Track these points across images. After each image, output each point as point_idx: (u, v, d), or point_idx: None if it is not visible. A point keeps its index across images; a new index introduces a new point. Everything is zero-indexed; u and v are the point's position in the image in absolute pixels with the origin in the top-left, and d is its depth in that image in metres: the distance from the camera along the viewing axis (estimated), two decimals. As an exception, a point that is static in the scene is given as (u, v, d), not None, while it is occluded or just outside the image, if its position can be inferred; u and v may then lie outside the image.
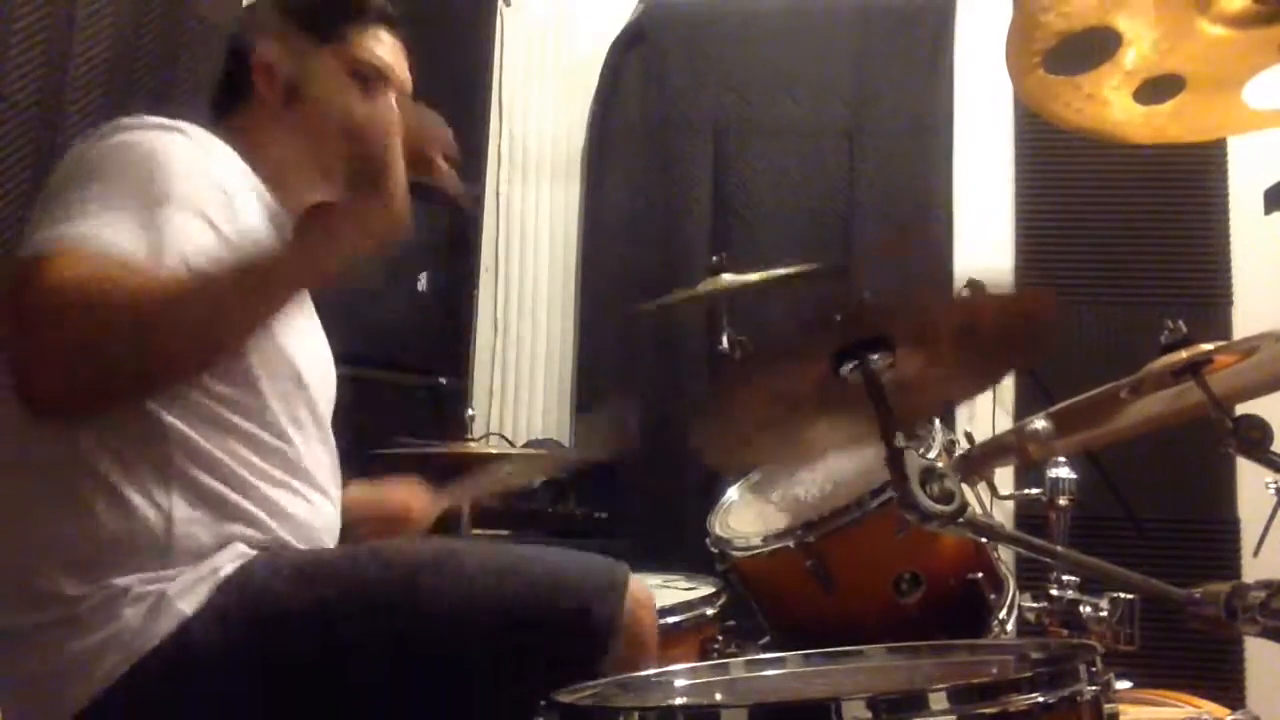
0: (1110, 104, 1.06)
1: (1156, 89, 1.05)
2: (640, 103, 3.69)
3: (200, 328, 1.21)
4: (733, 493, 2.11)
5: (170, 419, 1.25)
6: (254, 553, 1.30)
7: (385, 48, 1.54)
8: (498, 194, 3.67)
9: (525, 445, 3.40)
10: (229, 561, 1.27)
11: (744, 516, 2.03)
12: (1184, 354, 1.53)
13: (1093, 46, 1.08)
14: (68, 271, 1.15)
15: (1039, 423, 1.67)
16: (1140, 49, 1.05)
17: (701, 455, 1.39)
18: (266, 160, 1.45)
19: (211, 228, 1.29)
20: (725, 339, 2.67)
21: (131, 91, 2.10)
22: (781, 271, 2.63)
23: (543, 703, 0.99)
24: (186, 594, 1.23)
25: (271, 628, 1.25)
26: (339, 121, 1.36)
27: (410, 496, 1.74)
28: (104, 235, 1.18)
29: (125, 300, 1.15)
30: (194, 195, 1.28)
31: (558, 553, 1.37)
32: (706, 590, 1.91)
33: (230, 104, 1.52)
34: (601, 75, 3.73)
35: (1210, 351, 1.51)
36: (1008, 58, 1.09)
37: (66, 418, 1.22)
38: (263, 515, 1.32)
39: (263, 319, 1.27)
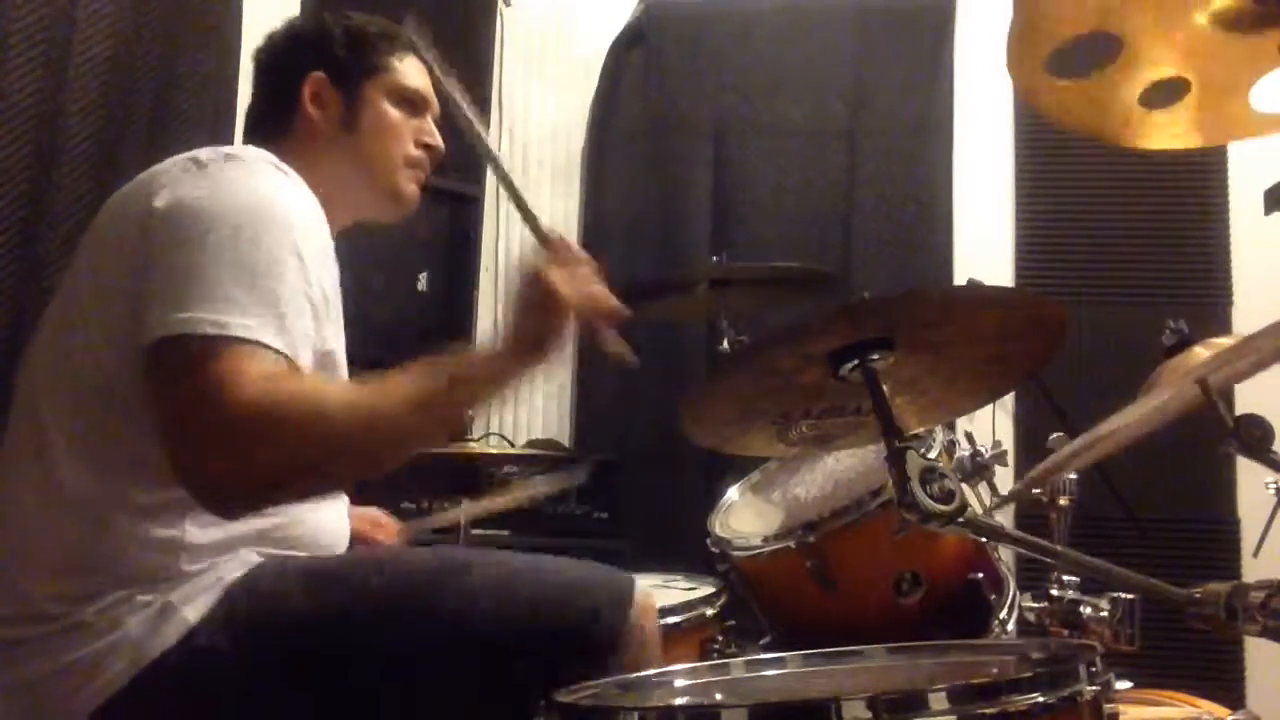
0: (1115, 107, 1.05)
1: (1162, 93, 1.04)
2: (640, 103, 3.69)
3: (380, 455, 1.26)
4: (733, 493, 2.11)
5: None
6: (259, 559, 1.30)
7: (419, 73, 1.58)
8: (498, 194, 3.67)
9: (525, 445, 3.39)
10: (236, 569, 1.28)
11: (744, 516, 2.03)
12: (1193, 356, 1.51)
13: (1096, 50, 1.07)
14: (262, 389, 1.14)
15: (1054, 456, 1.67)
16: (1143, 53, 1.04)
17: (692, 437, 1.44)
18: (318, 184, 1.42)
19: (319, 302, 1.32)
20: (725, 339, 2.67)
21: (131, 91, 2.09)
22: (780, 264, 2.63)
23: (542, 702, 1.00)
24: (191, 601, 1.24)
25: (279, 632, 1.25)
26: (533, 290, 1.32)
27: (374, 525, 1.78)
28: (268, 334, 1.18)
29: (322, 432, 1.18)
30: (319, 272, 1.31)
31: (563, 563, 1.38)
32: (706, 590, 1.90)
33: (275, 126, 1.52)
34: (601, 75, 3.73)
35: (1219, 363, 1.49)
36: (1009, 61, 1.08)
37: (217, 504, 1.20)
38: (273, 528, 1.33)
39: (424, 443, 1.31)
